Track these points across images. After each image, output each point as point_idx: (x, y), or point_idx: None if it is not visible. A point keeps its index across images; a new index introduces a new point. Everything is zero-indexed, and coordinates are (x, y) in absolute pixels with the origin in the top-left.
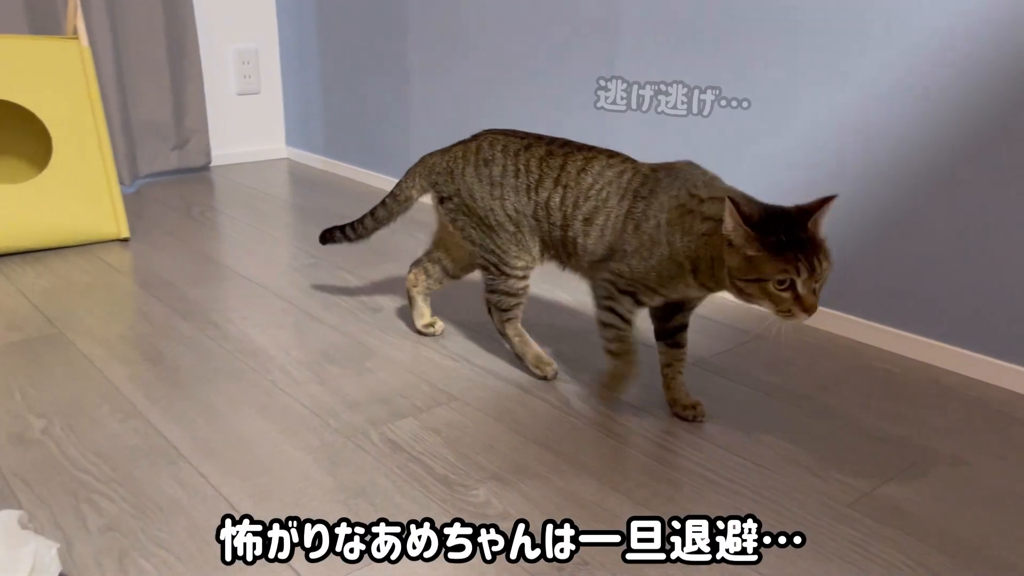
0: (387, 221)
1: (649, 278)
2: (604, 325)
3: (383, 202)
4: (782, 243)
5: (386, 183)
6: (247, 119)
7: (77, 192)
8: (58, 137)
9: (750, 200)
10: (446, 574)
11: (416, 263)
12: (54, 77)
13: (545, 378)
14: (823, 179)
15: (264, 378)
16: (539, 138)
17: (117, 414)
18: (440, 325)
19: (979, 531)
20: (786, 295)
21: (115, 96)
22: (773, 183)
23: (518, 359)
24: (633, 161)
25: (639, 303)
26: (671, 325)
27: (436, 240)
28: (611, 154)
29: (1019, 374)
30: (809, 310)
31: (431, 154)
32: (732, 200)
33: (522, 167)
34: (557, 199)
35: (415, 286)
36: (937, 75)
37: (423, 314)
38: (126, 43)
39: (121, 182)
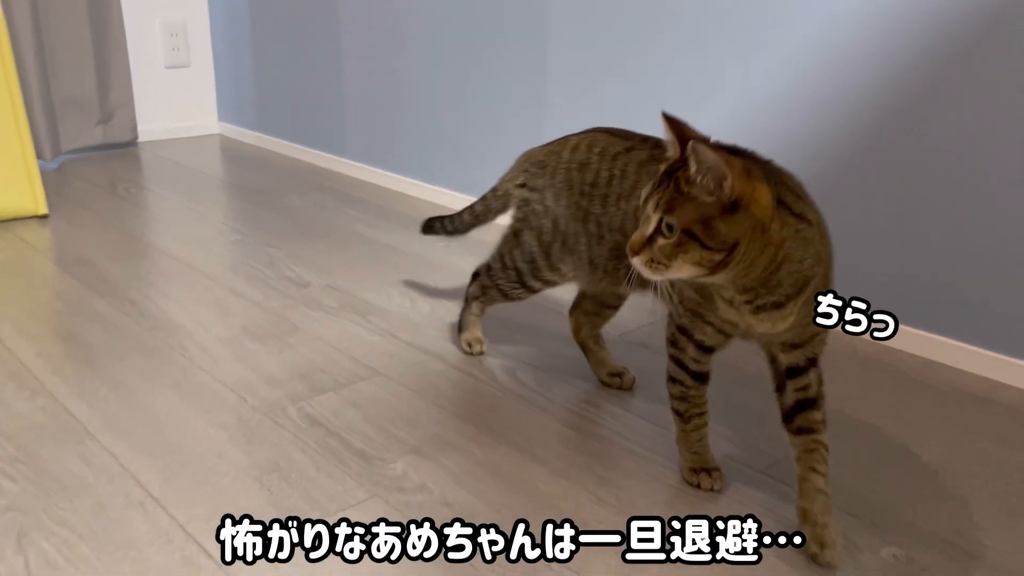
0: (485, 217)
1: (689, 296)
2: (670, 379)
3: (483, 196)
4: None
5: (321, 159)
6: (176, 93)
7: None
8: None
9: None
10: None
11: (572, 308)
12: None
13: (470, 354)
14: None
15: (181, 355)
16: (646, 140)
17: (23, 392)
18: (629, 377)
19: (885, 493)
20: None
21: (35, 70)
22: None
23: (457, 328)
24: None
25: (700, 346)
26: (788, 400)
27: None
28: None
29: (920, 337)
30: (631, 248)
31: (535, 147)
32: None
33: (617, 172)
34: None
35: (578, 332)
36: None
37: (603, 361)
38: (46, 15)
39: (42, 157)
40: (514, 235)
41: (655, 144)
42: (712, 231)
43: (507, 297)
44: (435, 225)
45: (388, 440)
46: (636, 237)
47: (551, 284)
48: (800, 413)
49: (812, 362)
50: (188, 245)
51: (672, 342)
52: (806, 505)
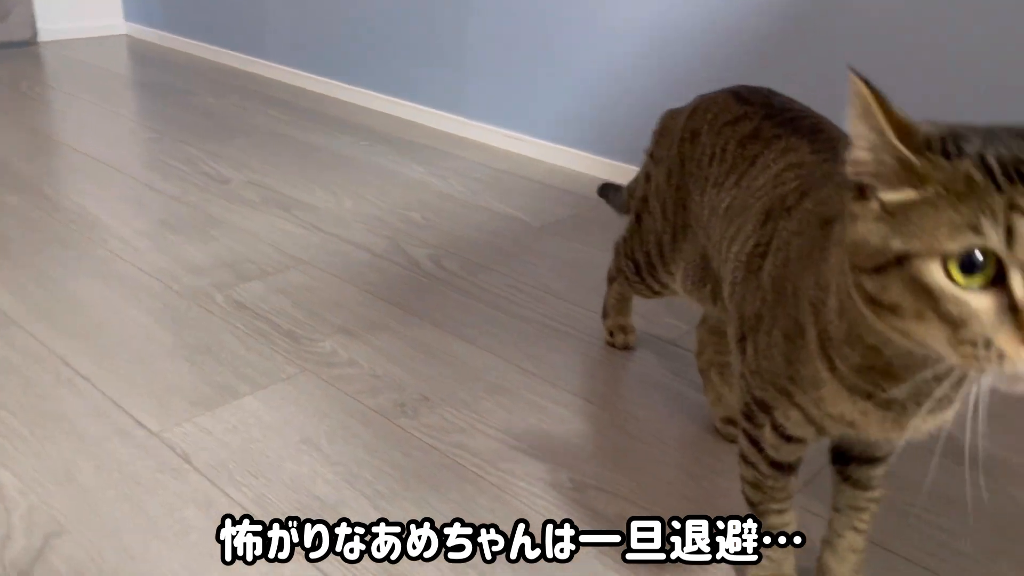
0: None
1: (778, 367)
2: (743, 460)
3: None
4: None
5: (238, 60)
6: None
7: None
8: None
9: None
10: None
11: (700, 322)
12: None
13: (613, 345)
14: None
15: (100, 247)
16: (767, 107)
17: None
18: (769, 434)
19: None
20: (982, 300)
21: None
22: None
23: (603, 313)
24: (825, 154)
25: (782, 434)
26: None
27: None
28: (813, 145)
29: None
30: None
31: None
32: (865, 83)
33: (718, 151)
34: (724, 205)
35: (700, 354)
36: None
37: (721, 399)
38: None
39: None
40: (636, 218)
41: (767, 114)
42: None
43: (633, 289)
44: (609, 193)
45: (316, 322)
46: None
47: (671, 290)
48: (858, 464)
49: None
50: (101, 143)
51: (747, 414)
52: (833, 564)
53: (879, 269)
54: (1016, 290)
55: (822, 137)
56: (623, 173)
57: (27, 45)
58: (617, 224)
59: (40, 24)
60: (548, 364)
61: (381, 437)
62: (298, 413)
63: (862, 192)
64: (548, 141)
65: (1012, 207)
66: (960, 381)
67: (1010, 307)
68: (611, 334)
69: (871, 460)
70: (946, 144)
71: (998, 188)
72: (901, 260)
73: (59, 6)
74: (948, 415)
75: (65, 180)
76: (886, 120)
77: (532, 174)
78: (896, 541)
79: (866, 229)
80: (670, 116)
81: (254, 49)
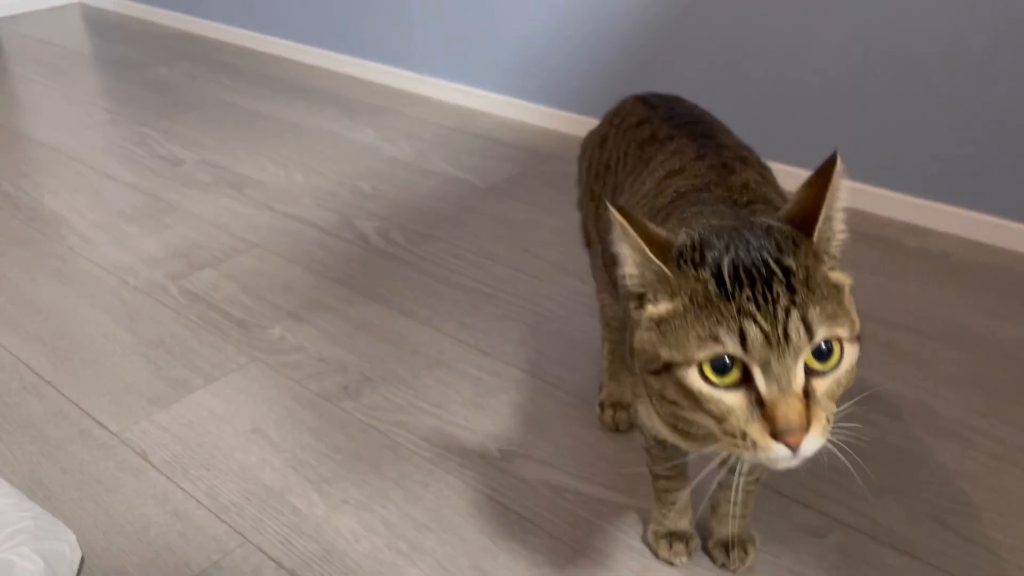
0: None
1: (635, 377)
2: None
3: None
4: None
5: (187, 23)
6: None
7: None
8: None
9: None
10: None
11: None
12: None
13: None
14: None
15: (60, 244)
16: (669, 111)
17: None
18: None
19: None
20: (735, 398)
21: None
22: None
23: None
24: (711, 160)
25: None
26: None
27: None
28: (699, 150)
29: None
30: (789, 433)
31: None
32: (620, 210)
33: (622, 155)
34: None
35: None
36: None
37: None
38: None
39: None
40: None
41: (667, 117)
42: (854, 313)
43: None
44: None
45: (265, 308)
46: (791, 404)
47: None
48: None
49: None
50: (57, 130)
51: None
52: (713, 525)
53: (656, 372)
54: (760, 386)
55: (711, 143)
56: (570, 123)
57: None
58: (564, 183)
59: None
60: (483, 333)
61: (326, 421)
62: (248, 403)
63: (641, 300)
64: (495, 93)
65: (740, 312)
66: None
67: (757, 402)
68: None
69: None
70: (695, 253)
71: (729, 296)
72: (669, 367)
73: None
74: None
75: (22, 173)
76: (642, 239)
77: (480, 129)
78: (789, 485)
79: (643, 337)
80: (587, 134)
81: (201, 10)
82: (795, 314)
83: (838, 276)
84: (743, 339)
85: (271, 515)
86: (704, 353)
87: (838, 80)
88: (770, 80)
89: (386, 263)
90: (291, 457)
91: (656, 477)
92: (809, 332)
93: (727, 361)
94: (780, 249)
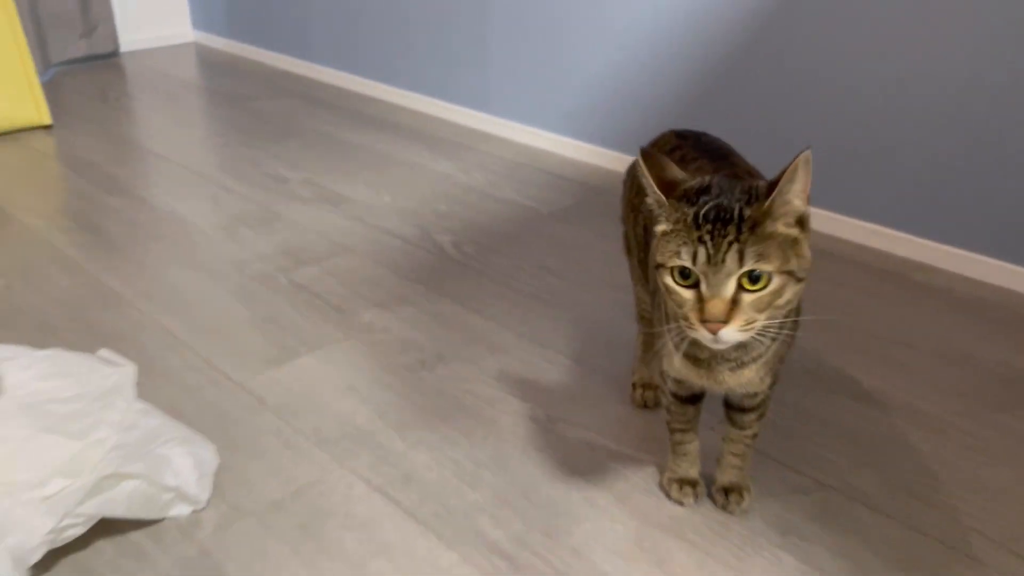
0: None
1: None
2: (662, 395)
3: None
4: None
5: (287, 63)
6: (152, 4)
7: None
8: None
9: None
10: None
11: None
12: None
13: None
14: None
15: (188, 240)
16: (697, 140)
17: (65, 272)
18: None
19: None
20: (688, 294)
21: None
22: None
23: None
24: (724, 172)
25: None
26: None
27: None
28: (716, 166)
29: None
30: (712, 322)
31: None
32: (643, 153)
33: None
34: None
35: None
36: None
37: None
38: None
39: None
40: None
41: (694, 144)
42: (802, 260)
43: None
44: None
45: (357, 298)
46: (716, 303)
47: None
48: (734, 410)
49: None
50: (180, 148)
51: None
52: (718, 475)
53: (656, 268)
54: (702, 289)
55: (725, 162)
56: (620, 162)
57: (110, 57)
58: (613, 213)
59: (121, 36)
60: (538, 329)
61: (405, 385)
62: (343, 368)
63: (657, 222)
64: (559, 134)
65: (699, 240)
66: (742, 347)
67: (699, 299)
68: (634, 394)
69: (741, 408)
70: (693, 195)
71: (698, 228)
72: (659, 267)
73: (136, 19)
74: (747, 374)
75: (153, 183)
76: (654, 178)
77: (545, 165)
78: (785, 454)
79: (653, 244)
80: (631, 163)
81: (302, 53)
82: (735, 247)
83: (790, 231)
84: (695, 258)
85: (362, 448)
86: (672, 262)
87: (871, 135)
88: (804, 127)
89: (458, 269)
90: (377, 408)
91: (672, 431)
92: (741, 262)
93: (685, 270)
94: (748, 203)
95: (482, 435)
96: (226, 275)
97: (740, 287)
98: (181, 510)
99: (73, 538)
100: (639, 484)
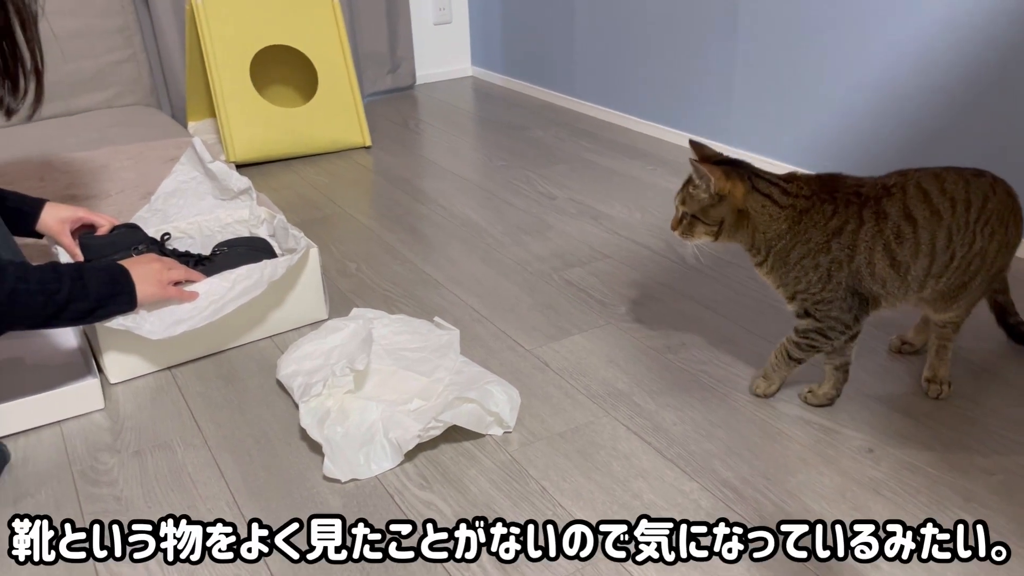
0: None
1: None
2: (825, 343)
3: None
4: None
5: (554, 97)
6: (441, 44)
7: (335, 111)
8: (321, 71)
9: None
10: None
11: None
12: (314, 24)
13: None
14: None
15: (481, 242)
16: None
17: (395, 261)
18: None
19: None
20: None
21: (347, 33)
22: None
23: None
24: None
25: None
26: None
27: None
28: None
29: None
30: (672, 226)
31: None
32: (692, 143)
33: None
34: None
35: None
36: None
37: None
38: None
39: None
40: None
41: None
42: (707, 214)
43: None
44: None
45: (615, 294)
46: (673, 221)
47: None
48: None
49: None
50: (467, 168)
51: (845, 329)
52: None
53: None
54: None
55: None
56: None
57: (409, 89)
58: None
59: (417, 71)
60: (762, 324)
61: (654, 362)
62: (606, 345)
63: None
64: (796, 166)
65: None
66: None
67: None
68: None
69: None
70: (732, 174)
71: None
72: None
73: (429, 57)
74: (764, 271)
75: (450, 195)
76: (698, 156)
77: None
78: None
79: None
80: None
81: (567, 88)
82: (680, 196)
83: (707, 199)
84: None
85: (622, 404)
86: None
87: None
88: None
89: (697, 276)
90: (633, 378)
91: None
92: (684, 204)
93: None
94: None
95: (716, 404)
96: (513, 270)
97: (688, 215)
98: (496, 431)
99: (432, 437)
100: (845, 452)
